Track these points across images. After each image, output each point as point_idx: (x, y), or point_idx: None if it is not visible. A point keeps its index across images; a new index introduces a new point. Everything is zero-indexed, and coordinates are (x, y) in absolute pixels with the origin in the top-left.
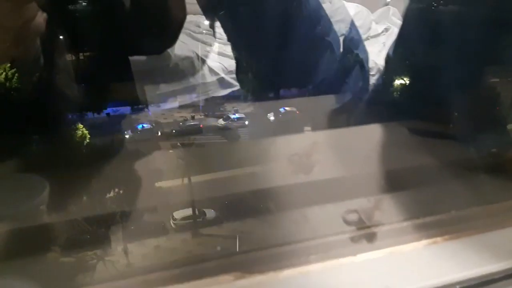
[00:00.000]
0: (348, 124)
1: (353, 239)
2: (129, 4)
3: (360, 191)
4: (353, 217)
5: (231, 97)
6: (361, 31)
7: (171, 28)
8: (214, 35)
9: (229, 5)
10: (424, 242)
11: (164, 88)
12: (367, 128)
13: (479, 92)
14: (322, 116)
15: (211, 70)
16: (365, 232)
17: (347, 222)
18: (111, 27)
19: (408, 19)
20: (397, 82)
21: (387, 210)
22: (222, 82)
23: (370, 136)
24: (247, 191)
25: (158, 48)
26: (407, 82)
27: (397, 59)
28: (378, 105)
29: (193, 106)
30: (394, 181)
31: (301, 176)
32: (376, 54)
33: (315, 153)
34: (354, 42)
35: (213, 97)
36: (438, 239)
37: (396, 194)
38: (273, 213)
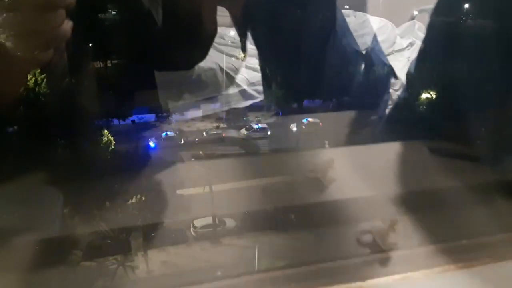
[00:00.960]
0: (368, 140)
1: (364, 263)
2: (161, 19)
3: (376, 212)
4: (367, 238)
5: (255, 108)
6: (385, 45)
7: (201, 44)
8: (244, 48)
9: (263, 20)
10: (437, 269)
11: (187, 97)
12: (386, 147)
13: (505, 110)
14: (344, 130)
15: (234, 82)
16: (377, 257)
17: (361, 244)
18: (141, 41)
19: (431, 33)
20: (419, 98)
21: (402, 234)
22: (244, 94)
23: (388, 155)
24: (263, 204)
25: (188, 64)
26: (429, 99)
27: (418, 75)
28: (399, 122)
29: (216, 116)
30: (411, 203)
31: (316, 193)
32: (400, 69)
33: (332, 171)
34: (378, 55)
35: (236, 107)
36: (452, 266)
37: (412, 217)
38: (287, 228)
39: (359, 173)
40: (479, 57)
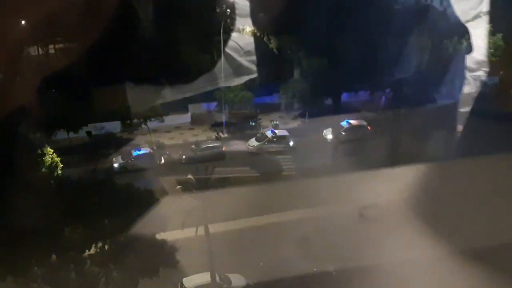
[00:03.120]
0: (451, 151)
1: None
2: None
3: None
4: None
5: (269, 107)
6: (467, 5)
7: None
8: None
9: None
10: None
11: (169, 95)
12: (491, 160)
13: None
14: (407, 135)
15: (240, 67)
16: None
17: None
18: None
19: None
20: None
21: None
22: (236, 66)
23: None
24: (287, 254)
25: (191, 75)
26: None
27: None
28: (489, 119)
29: (211, 121)
30: None
31: (384, 246)
32: (481, 39)
33: (405, 207)
34: (453, 21)
35: (240, 107)
36: None
37: None
38: None
39: (455, 212)
40: None
